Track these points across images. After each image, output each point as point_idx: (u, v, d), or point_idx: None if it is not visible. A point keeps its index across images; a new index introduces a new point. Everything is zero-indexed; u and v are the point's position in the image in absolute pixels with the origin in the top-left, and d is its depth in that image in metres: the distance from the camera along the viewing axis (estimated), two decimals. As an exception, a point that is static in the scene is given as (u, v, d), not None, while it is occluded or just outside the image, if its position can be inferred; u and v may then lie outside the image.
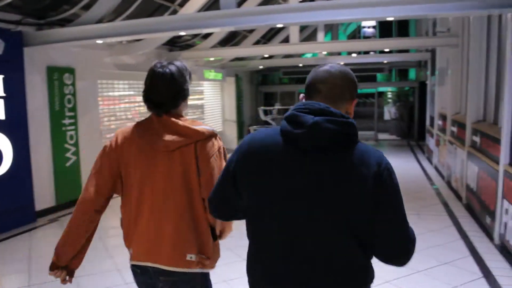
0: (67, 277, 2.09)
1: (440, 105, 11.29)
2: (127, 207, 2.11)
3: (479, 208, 6.37)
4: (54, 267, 2.05)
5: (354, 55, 14.38)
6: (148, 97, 2.10)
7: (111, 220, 3.63)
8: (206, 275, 2.13)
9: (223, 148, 2.10)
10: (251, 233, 1.65)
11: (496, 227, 5.41)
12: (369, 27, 21.97)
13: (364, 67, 16.87)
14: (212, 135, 2.06)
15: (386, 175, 1.49)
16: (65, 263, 2.06)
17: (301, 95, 1.69)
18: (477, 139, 6.90)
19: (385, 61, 15.16)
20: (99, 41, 6.96)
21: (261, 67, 15.78)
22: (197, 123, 2.07)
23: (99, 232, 2.28)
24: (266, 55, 12.92)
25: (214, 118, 15.33)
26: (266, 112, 8.70)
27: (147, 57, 10.12)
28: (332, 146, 1.49)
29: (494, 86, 6.67)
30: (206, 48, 10.84)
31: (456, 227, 6.16)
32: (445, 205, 7.39)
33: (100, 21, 6.75)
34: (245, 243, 1.72)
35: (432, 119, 12.62)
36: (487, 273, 4.58)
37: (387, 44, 10.96)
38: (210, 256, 2.06)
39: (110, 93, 9.71)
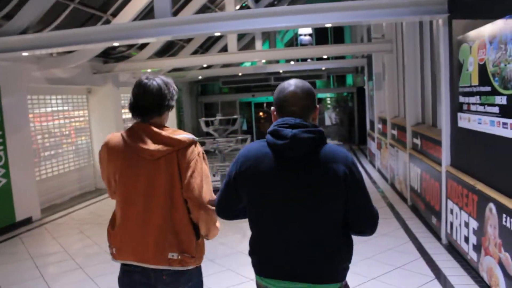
0: None
1: (379, 109, 11.56)
2: (116, 212, 2.32)
3: (424, 208, 6.48)
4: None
5: (292, 62, 14.52)
6: (136, 105, 2.25)
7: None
8: (198, 269, 2.32)
9: (203, 153, 2.30)
10: (254, 224, 2.02)
11: (443, 227, 5.49)
12: (305, 35, 22.33)
13: (302, 74, 17.05)
14: (192, 142, 2.24)
15: (353, 167, 1.91)
16: None
17: (272, 108, 2.05)
18: (417, 141, 7.05)
19: (323, 68, 15.38)
20: (25, 54, 6.47)
21: (200, 77, 15.55)
22: (178, 132, 2.23)
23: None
24: (205, 65, 12.72)
25: (155, 131, 14.89)
26: (207, 123, 8.46)
27: (81, 70, 9.62)
28: (308, 150, 1.87)
29: (430, 89, 6.85)
30: (143, 59, 10.48)
31: (404, 229, 6.22)
32: (391, 207, 7.48)
33: (24, 31, 6.28)
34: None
35: (372, 123, 12.91)
36: (438, 274, 4.60)
37: (324, 51, 11.09)
38: (193, 254, 2.22)
39: (43, 109, 9.11)
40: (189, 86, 17.64)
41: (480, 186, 4.26)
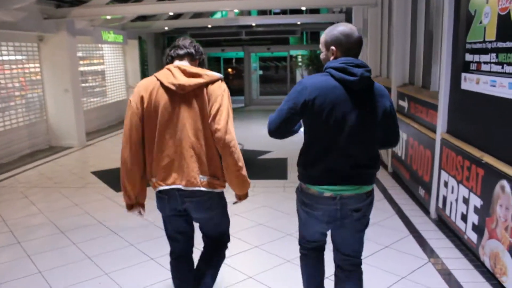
0: (141, 210, 2.71)
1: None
2: (149, 145, 2.52)
3: (410, 178, 5.95)
4: (130, 207, 2.66)
5: (266, 18, 13.55)
6: (176, 45, 2.63)
7: None
8: (221, 194, 2.65)
9: (228, 91, 2.54)
10: (318, 141, 2.43)
11: (433, 200, 4.97)
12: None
13: (276, 29, 16.13)
14: (219, 78, 2.53)
15: (391, 101, 2.51)
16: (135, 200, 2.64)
17: (333, 48, 2.41)
18: (404, 103, 6.45)
19: (298, 22, 14.48)
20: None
21: (166, 28, 14.39)
22: (206, 70, 2.53)
23: None
24: (171, 13, 11.63)
25: (117, 85, 13.82)
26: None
27: (27, 13, 8.46)
28: (369, 85, 2.41)
29: (422, 47, 6.18)
30: (101, 4, 9.34)
31: (388, 199, 5.70)
32: (371, 175, 6.94)
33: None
34: None
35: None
36: (432, 255, 4.09)
37: (302, 1, 10.12)
38: (219, 177, 2.56)
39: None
40: (154, 37, 16.43)
41: (488, 159, 3.69)
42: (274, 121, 2.46)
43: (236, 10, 12.01)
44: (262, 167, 7.61)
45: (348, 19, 12.07)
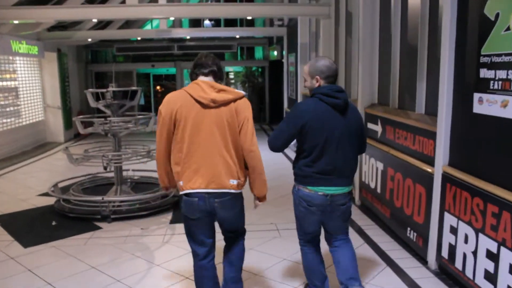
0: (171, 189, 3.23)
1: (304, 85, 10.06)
2: (178, 153, 2.87)
3: (391, 217, 5.04)
4: (166, 189, 3.20)
5: (200, 30, 12.43)
6: (199, 64, 2.94)
7: None
8: (241, 193, 3.04)
9: (250, 105, 2.95)
10: (313, 152, 3.06)
11: (431, 248, 4.06)
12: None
13: (211, 44, 15.07)
14: (244, 95, 2.94)
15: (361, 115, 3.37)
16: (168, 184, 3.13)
17: (318, 77, 3.08)
18: (376, 127, 5.58)
19: (237, 36, 13.51)
20: None
21: (90, 40, 12.81)
22: (229, 87, 2.93)
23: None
24: (95, 20, 10.16)
25: (33, 104, 12.00)
26: (97, 97, 6.21)
27: None
28: (347, 104, 3.10)
29: (398, 63, 5.36)
30: (6, 5, 7.74)
31: (371, 245, 4.72)
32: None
33: None
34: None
35: (292, 100, 11.44)
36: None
37: (245, 10, 9.05)
38: (242, 180, 2.98)
39: None
40: (76, 51, 14.68)
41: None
42: (279, 140, 3.12)
43: (171, 18, 10.77)
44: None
45: (292, 33, 11.29)
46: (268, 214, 5.65)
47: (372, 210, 5.69)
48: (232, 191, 2.90)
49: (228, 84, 18.39)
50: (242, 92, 2.91)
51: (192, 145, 2.82)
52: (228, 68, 17.24)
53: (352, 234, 4.95)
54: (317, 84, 3.08)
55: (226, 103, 2.82)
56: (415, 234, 4.43)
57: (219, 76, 2.97)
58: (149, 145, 6.59)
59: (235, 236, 3.19)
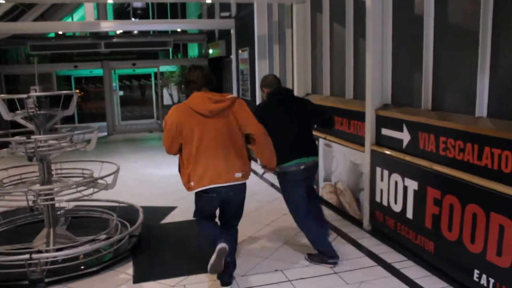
0: None
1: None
2: (187, 158, 3.35)
3: (436, 252, 3.81)
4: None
5: (132, 24, 10.65)
6: (191, 80, 3.45)
7: None
8: (246, 184, 3.56)
9: (243, 100, 3.56)
10: (276, 135, 3.73)
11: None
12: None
13: (144, 40, 13.26)
14: (236, 98, 3.47)
15: (308, 99, 4.55)
16: None
17: (265, 89, 4.24)
18: (400, 135, 4.35)
19: (179, 30, 11.85)
20: None
21: (-5, 35, 10.52)
22: (225, 94, 3.46)
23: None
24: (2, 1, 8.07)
25: None
26: (11, 105, 4.42)
27: None
28: (292, 96, 4.32)
29: (431, 54, 4.15)
30: None
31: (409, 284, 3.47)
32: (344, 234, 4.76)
33: None
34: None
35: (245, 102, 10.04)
36: None
37: None
38: (248, 172, 3.53)
39: None
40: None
41: None
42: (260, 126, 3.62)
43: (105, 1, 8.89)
44: (176, 246, 4.82)
45: (242, 25, 9.88)
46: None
47: (395, 239, 4.45)
48: (240, 182, 3.44)
49: (164, 85, 16.61)
50: (234, 96, 3.46)
51: (198, 151, 3.31)
52: (161, 68, 15.46)
53: (367, 261, 3.88)
54: (266, 91, 4.22)
55: (223, 110, 3.34)
56: (491, 280, 3.22)
57: (212, 84, 3.50)
58: (91, 166, 4.92)
59: (230, 226, 3.73)
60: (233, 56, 10.78)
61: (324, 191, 6.01)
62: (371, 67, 4.71)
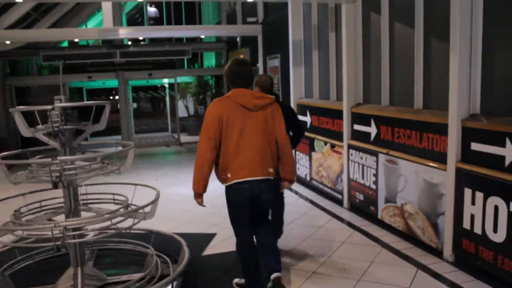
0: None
1: (298, 93, 7.98)
2: (227, 149, 3.36)
3: None
4: (199, 196, 3.49)
5: (153, 30, 9.99)
6: (242, 75, 3.48)
7: None
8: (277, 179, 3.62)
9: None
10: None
11: None
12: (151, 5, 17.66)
13: (161, 49, 12.61)
14: (275, 99, 3.56)
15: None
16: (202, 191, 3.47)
17: (256, 88, 4.21)
18: (502, 151, 3.58)
19: (202, 36, 11.18)
20: None
21: (8, 42, 9.87)
22: (266, 94, 3.61)
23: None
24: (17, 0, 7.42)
25: None
26: (28, 119, 3.69)
27: None
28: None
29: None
30: None
31: None
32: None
33: None
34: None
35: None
36: None
37: None
38: (275, 168, 3.56)
39: None
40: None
41: None
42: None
43: None
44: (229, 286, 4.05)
45: (271, 31, 9.19)
46: None
47: (495, 274, 3.67)
48: (271, 177, 3.50)
49: (181, 96, 15.96)
50: (273, 97, 3.56)
51: (238, 143, 3.36)
52: (180, 79, 14.80)
53: None
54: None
55: (266, 106, 3.45)
56: None
57: (251, 86, 3.62)
58: (124, 191, 4.20)
59: (267, 222, 3.76)
60: (260, 65, 10.08)
61: (385, 213, 5.24)
62: (456, 72, 3.95)
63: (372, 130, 5.52)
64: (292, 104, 8.03)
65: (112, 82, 13.87)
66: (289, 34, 7.94)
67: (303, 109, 7.71)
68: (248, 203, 3.45)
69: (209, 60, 17.36)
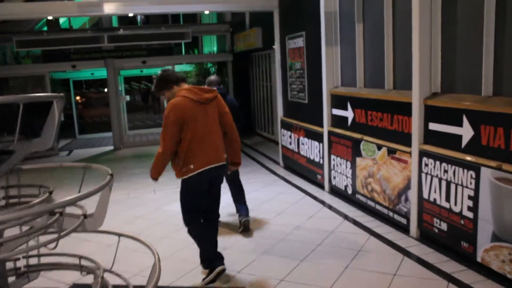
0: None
1: (332, 81, 6.23)
2: (189, 142, 3.64)
3: None
4: (157, 179, 3.91)
5: (144, 6, 8.12)
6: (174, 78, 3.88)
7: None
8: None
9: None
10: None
11: None
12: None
13: (157, 32, 10.80)
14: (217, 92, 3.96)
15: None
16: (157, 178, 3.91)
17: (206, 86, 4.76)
18: None
19: (206, 12, 9.40)
20: None
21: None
22: (209, 88, 3.98)
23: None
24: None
25: None
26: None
27: None
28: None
29: None
30: None
31: None
32: None
33: None
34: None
35: (297, 105, 7.55)
36: None
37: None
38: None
39: None
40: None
41: None
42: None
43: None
44: None
45: (291, 5, 7.39)
46: None
47: None
48: (224, 162, 3.85)
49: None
50: (215, 89, 4.00)
51: (201, 135, 3.67)
52: (177, 68, 12.99)
53: None
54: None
55: (212, 99, 3.78)
56: None
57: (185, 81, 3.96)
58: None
59: (217, 207, 4.13)
60: (276, 47, 8.28)
61: (492, 256, 3.52)
62: None
63: (465, 131, 3.79)
64: (325, 95, 6.28)
65: (103, 72, 12.06)
66: (320, 3, 6.15)
67: (340, 100, 5.96)
68: (207, 189, 3.83)
69: (209, 45, 15.55)
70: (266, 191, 6.68)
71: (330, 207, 5.73)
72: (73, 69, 11.29)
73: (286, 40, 7.81)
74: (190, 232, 3.86)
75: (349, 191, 5.75)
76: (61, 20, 12.37)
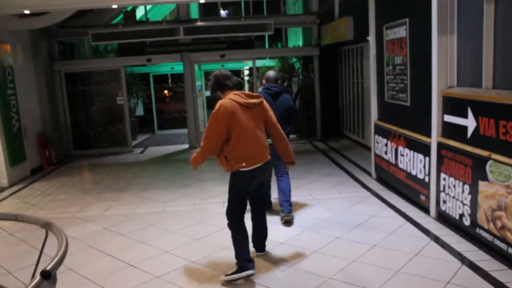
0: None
1: (446, 80, 4.90)
2: (237, 142, 3.82)
3: None
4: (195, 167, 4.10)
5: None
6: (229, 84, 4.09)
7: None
8: None
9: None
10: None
11: None
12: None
13: (237, 23, 9.94)
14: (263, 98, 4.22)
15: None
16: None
17: (263, 81, 5.41)
18: None
19: None
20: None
21: (27, 12, 7.58)
22: (255, 93, 4.16)
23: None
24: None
25: None
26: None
27: None
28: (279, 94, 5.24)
29: None
30: None
31: None
32: None
33: None
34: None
35: (390, 107, 6.26)
36: None
37: None
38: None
39: None
40: (31, 41, 9.63)
41: None
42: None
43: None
44: None
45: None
46: None
47: None
48: (269, 159, 4.09)
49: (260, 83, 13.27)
50: (261, 95, 4.27)
51: (248, 136, 3.87)
52: (258, 63, 12.08)
53: None
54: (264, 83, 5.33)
55: (258, 104, 4.00)
56: None
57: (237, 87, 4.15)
58: None
59: (262, 205, 4.38)
60: (371, 38, 7.01)
61: None
62: None
63: None
64: (434, 97, 4.97)
65: (182, 66, 11.46)
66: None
67: (456, 105, 4.64)
68: (254, 190, 4.09)
69: (295, 39, 14.46)
70: (356, 212, 5.50)
71: (437, 240, 4.47)
72: (148, 62, 10.76)
73: (384, 30, 6.52)
74: (230, 227, 4.05)
75: (466, 222, 4.42)
76: (138, 14, 11.93)
